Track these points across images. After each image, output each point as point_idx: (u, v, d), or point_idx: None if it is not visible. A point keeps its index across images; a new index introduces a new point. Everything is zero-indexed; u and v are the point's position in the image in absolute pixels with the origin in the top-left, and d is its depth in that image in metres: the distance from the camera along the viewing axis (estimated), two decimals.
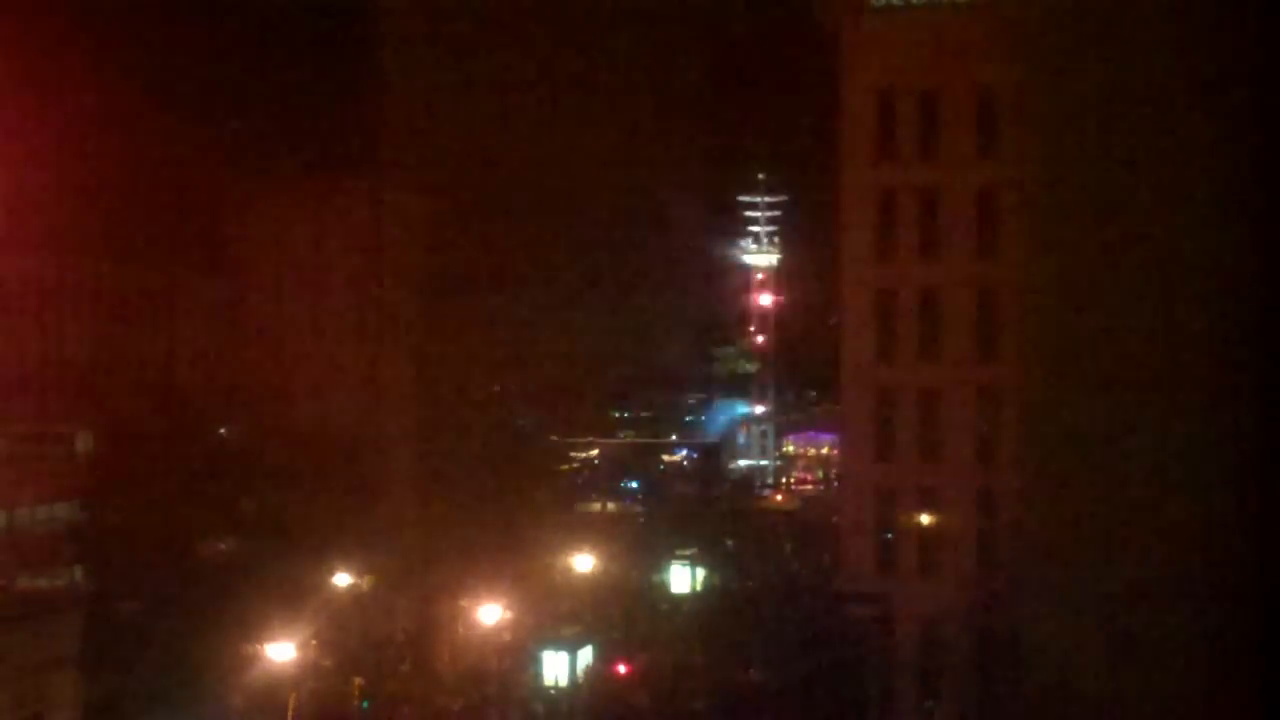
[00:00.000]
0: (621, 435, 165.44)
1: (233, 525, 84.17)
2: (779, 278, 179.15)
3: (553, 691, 60.21)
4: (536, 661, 61.70)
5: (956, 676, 63.81)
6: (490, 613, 75.46)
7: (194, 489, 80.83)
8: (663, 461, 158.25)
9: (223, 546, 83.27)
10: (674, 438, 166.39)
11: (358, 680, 69.30)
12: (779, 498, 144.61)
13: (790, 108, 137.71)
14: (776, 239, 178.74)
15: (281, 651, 62.87)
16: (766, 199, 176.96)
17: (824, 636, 64.17)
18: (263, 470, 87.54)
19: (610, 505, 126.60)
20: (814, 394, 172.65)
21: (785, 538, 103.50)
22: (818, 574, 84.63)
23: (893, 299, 67.50)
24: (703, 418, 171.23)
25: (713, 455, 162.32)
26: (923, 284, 66.82)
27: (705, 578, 74.23)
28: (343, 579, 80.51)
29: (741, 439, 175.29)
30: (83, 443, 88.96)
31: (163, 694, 57.90)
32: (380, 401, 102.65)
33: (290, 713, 63.86)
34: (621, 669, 68.57)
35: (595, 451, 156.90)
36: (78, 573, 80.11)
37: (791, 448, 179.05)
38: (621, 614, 76.22)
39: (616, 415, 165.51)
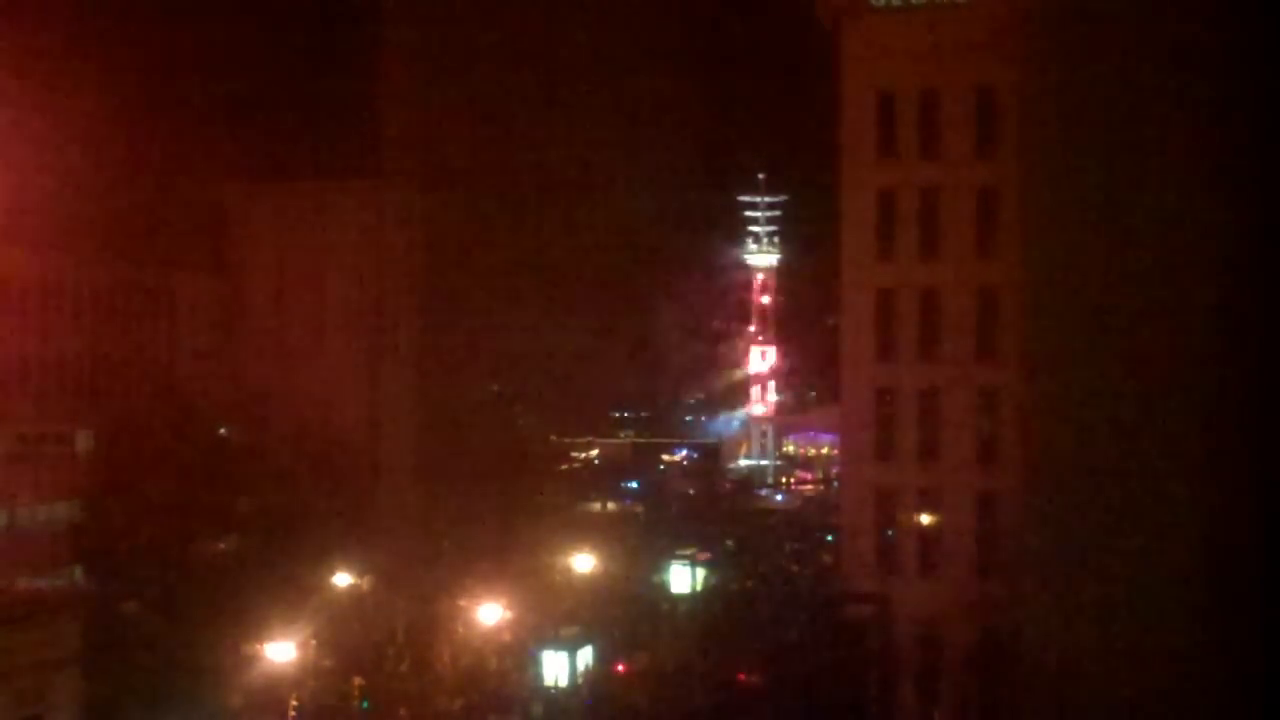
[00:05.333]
0: (621, 435, 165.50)
1: (233, 525, 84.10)
2: (779, 278, 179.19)
3: (553, 691, 60.16)
4: (536, 661, 61.64)
5: (956, 677, 63.71)
6: (490, 613, 75.47)
7: (194, 489, 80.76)
8: (663, 461, 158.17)
9: (222, 546, 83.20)
10: (674, 438, 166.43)
11: (358, 680, 69.27)
12: (779, 498, 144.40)
13: (790, 108, 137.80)
14: (776, 239, 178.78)
15: (281, 651, 62.89)
16: (766, 199, 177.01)
17: (824, 637, 64.00)
18: (263, 470, 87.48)
19: (610, 505, 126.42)
20: (814, 394, 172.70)
21: (785, 538, 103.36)
22: (817, 574, 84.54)
23: (893, 299, 67.41)
24: (703, 418, 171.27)
25: (712, 455, 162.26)
26: (923, 284, 66.72)
27: (705, 578, 74.14)
28: (343, 579, 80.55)
29: (741, 440, 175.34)
30: (83, 443, 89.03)
31: (163, 694, 57.84)
32: (381, 401, 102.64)
33: (290, 713, 63.86)
34: (621, 669, 68.55)
35: (595, 451, 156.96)
36: (78, 573, 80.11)
37: (791, 448, 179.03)
38: (621, 614, 76.17)
39: (616, 415, 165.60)
